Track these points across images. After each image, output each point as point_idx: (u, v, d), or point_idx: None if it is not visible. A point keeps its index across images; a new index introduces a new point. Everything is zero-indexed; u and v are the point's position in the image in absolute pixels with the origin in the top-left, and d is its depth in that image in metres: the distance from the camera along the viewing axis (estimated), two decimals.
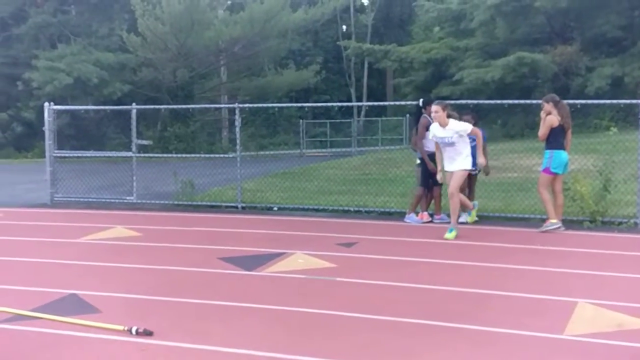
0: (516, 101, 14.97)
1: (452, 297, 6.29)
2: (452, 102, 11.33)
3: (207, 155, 18.54)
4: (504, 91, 27.70)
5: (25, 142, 35.31)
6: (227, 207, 12.41)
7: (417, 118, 10.44)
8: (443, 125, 9.02)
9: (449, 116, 9.10)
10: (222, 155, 17.20)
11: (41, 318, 5.69)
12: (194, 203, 12.64)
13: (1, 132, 39.50)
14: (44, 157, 13.71)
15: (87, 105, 27.94)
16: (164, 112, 29.22)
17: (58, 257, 8.20)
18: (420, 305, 5.98)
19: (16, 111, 38.35)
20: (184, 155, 18.76)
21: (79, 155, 15.26)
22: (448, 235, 8.95)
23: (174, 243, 9.03)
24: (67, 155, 14.28)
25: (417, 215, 10.49)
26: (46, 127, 13.16)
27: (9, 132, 39.82)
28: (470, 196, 10.52)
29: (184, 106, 25.29)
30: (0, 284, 6.84)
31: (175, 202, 12.62)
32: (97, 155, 16.44)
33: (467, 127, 9.07)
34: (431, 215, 10.57)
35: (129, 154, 13.21)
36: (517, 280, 6.85)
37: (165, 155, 18.36)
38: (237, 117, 12.53)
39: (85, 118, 30.92)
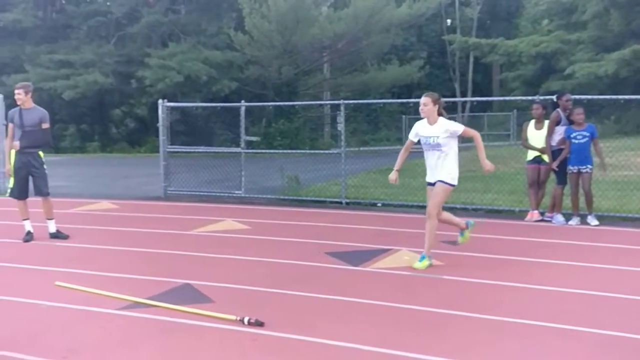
0: (632, 96, 14.34)
1: (562, 298, 6.14)
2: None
3: (311, 151, 18.78)
4: (618, 86, 26.59)
5: (138, 137, 36.80)
6: (331, 202, 12.54)
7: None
8: (431, 122, 7.37)
9: (440, 114, 7.43)
10: (326, 152, 17.36)
11: (157, 306, 5.95)
12: (299, 198, 12.84)
13: (115, 127, 41.36)
14: (156, 151, 14.26)
15: (195, 102, 28.81)
16: (269, 108, 29.74)
17: (172, 248, 8.54)
18: (528, 306, 5.87)
19: (129, 108, 40.04)
20: (288, 151, 19.06)
21: (190, 150, 15.76)
22: (418, 264, 7.32)
23: (282, 237, 9.22)
24: (178, 150, 14.79)
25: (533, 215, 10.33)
26: (160, 123, 13.68)
27: (122, 128, 41.66)
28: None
29: (291, 103, 25.64)
30: (118, 273, 7.21)
31: (281, 197, 12.85)
32: (207, 150, 16.93)
33: (458, 127, 7.42)
34: (542, 214, 10.35)
35: (238, 149, 13.55)
36: (633, 283, 6.61)
37: (271, 151, 18.72)
38: (341, 113, 12.63)
39: (194, 114, 31.89)
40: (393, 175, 7.67)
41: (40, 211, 9.26)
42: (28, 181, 9.13)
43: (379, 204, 12.16)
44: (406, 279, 6.94)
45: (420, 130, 7.45)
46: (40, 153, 9.14)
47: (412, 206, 11.81)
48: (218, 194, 13.45)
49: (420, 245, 8.16)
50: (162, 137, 13.69)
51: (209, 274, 7.06)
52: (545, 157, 10.26)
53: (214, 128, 32.35)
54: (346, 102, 12.96)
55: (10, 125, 9.06)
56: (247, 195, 13.12)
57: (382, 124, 38.21)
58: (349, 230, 9.90)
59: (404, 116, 32.48)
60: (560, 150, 9.95)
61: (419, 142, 7.47)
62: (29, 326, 5.51)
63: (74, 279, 6.88)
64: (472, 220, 7.98)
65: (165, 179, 13.73)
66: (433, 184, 7.41)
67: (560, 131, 10.02)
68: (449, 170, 7.32)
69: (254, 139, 14.88)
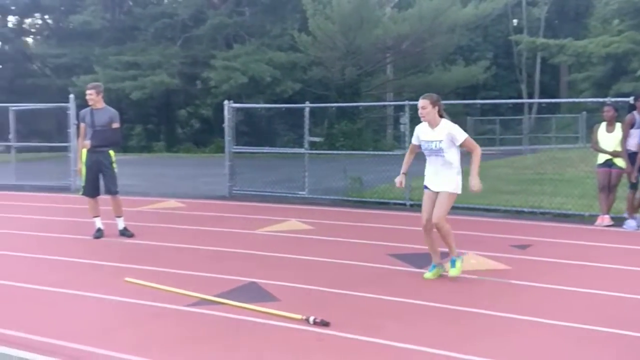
0: None
1: (636, 306, 5.94)
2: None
3: (374, 153, 18.72)
4: None
5: (203, 137, 37.35)
6: (394, 204, 12.45)
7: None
8: (432, 125, 6.82)
9: (441, 115, 6.85)
10: (389, 153, 17.28)
11: (224, 304, 6.01)
12: (363, 199, 12.81)
13: (181, 128, 42.10)
14: (221, 152, 14.43)
15: (259, 103, 29.08)
16: (331, 109, 29.79)
17: (238, 246, 8.62)
18: (599, 312, 5.71)
19: (195, 108, 40.69)
20: (352, 152, 19.04)
21: (254, 150, 15.91)
22: (454, 271, 6.90)
23: (345, 238, 9.20)
24: (243, 150, 14.93)
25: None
26: (226, 124, 13.85)
27: (188, 128, 42.37)
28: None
29: (355, 104, 25.63)
30: (186, 270, 7.32)
31: (344, 198, 12.84)
32: (271, 151, 17.05)
33: (460, 134, 6.75)
34: (612, 219, 10.07)
35: (301, 150, 13.60)
36: None
37: (334, 152, 18.74)
38: (406, 114, 12.54)
39: (258, 115, 32.19)
40: (399, 179, 7.29)
41: (110, 209, 9.47)
42: (99, 179, 9.34)
43: None
44: (472, 282, 6.83)
45: (421, 134, 6.95)
46: (111, 152, 9.34)
47: (478, 209, 11.63)
48: (282, 194, 13.52)
49: (485, 248, 8.06)
50: (228, 137, 13.84)
51: (274, 273, 7.10)
52: (617, 161, 9.97)
53: (277, 129, 32.60)
54: (411, 102, 12.81)
55: (82, 124, 9.29)
56: (310, 196, 13.15)
57: None
58: (413, 232, 9.78)
59: (468, 117, 32.10)
60: (636, 154, 9.65)
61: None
62: (100, 321, 5.65)
63: (143, 276, 7.01)
64: (462, 256, 7.15)
65: (230, 179, 13.88)
66: (434, 191, 6.91)
67: (635, 134, 9.73)
68: (452, 175, 6.83)
69: (317, 139, 14.91)
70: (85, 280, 6.94)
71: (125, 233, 9.39)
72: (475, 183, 6.76)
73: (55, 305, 6.10)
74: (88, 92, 9.26)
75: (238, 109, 14.86)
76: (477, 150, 6.83)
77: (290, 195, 13.40)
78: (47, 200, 13.54)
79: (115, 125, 9.29)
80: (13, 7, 40.73)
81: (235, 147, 14.11)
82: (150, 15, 36.09)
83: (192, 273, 7.22)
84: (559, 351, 4.84)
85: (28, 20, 43.22)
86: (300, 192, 13.28)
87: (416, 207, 12.06)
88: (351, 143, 27.59)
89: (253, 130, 30.01)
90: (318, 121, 30.97)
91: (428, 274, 7.00)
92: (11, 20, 41.93)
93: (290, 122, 27.84)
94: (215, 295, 6.22)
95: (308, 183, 13.25)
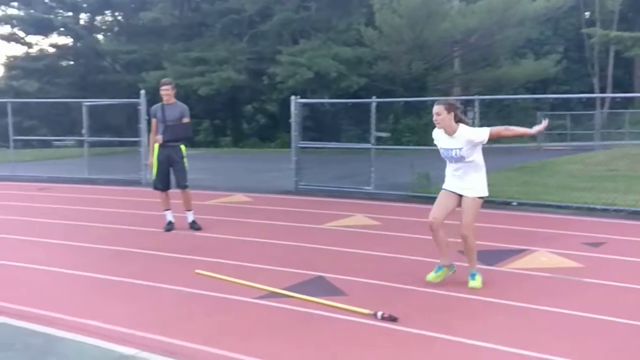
0: None
1: None
2: None
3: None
4: None
5: (269, 132, 37.67)
6: None
7: None
8: (450, 132, 6.32)
9: (459, 120, 6.36)
10: None
11: (292, 297, 6.06)
12: (430, 195, 12.63)
13: (247, 123, 42.54)
14: (286, 147, 14.50)
15: (324, 98, 29.13)
16: (397, 104, 29.59)
17: (305, 241, 8.67)
18: None
19: (260, 104, 41.06)
20: (419, 147, 18.80)
21: (320, 146, 15.94)
22: (473, 283, 6.44)
23: (412, 233, 9.14)
24: (308, 145, 14.97)
25: None
26: (292, 119, 13.91)
27: (254, 124, 42.78)
28: None
29: (424, 98, 25.34)
30: (254, 263, 7.40)
31: (411, 194, 12.73)
32: (337, 146, 17.07)
33: (483, 134, 6.28)
34: None
35: (368, 145, 13.54)
36: None
37: (401, 147, 18.62)
38: (476, 109, 12.35)
39: (323, 111, 32.24)
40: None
41: (180, 202, 9.64)
42: (170, 174, 9.51)
43: (514, 203, 11.79)
44: (544, 280, 6.69)
45: (438, 140, 6.50)
46: (182, 147, 9.50)
47: (549, 206, 11.38)
48: (347, 189, 13.51)
49: (557, 246, 7.90)
50: (295, 132, 13.91)
51: (341, 268, 7.12)
52: None
53: (341, 124, 32.58)
54: (481, 97, 12.64)
55: (153, 120, 9.47)
56: (376, 191, 13.09)
57: (515, 120, 37.04)
58: (482, 229, 9.60)
59: (538, 112, 31.35)
60: None
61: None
62: (172, 311, 5.76)
63: (212, 268, 7.13)
64: (454, 267, 6.69)
65: (296, 174, 13.95)
66: (457, 194, 6.47)
67: None
68: (478, 181, 6.39)
69: (384, 135, 14.85)
70: (158, 272, 7.10)
71: (193, 226, 9.55)
72: (534, 128, 6.41)
73: (130, 296, 6.26)
74: (164, 87, 9.41)
75: (304, 105, 14.88)
76: (505, 128, 6.54)
77: (355, 190, 13.37)
78: (119, 193, 13.89)
79: (186, 120, 9.45)
80: (85, 5, 41.91)
81: (301, 142, 14.15)
82: (217, 11, 36.54)
83: (260, 266, 7.30)
84: (634, 351, 4.70)
85: (99, 18, 44.37)
86: (366, 188, 13.24)
87: (485, 203, 11.85)
88: (417, 138, 27.34)
89: (318, 126, 30.05)
90: (382, 116, 30.80)
91: (432, 275, 6.55)
92: (83, 17, 43.14)
93: (355, 117, 27.76)
94: (283, 288, 6.28)
95: (374, 178, 13.19)
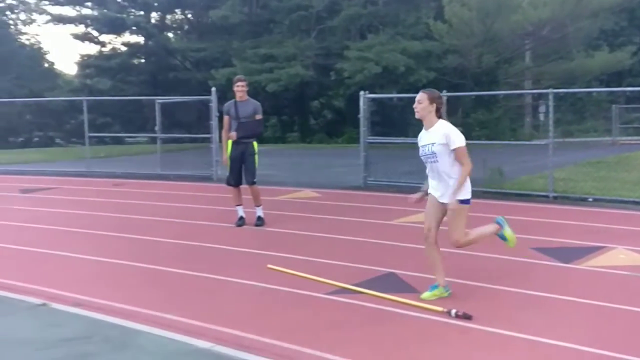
0: None
1: None
2: None
3: (515, 142, 18.14)
4: None
5: (336, 128, 37.69)
6: (537, 196, 12.00)
7: None
8: (427, 126, 5.89)
9: (440, 117, 5.89)
10: (531, 143, 16.70)
11: (364, 293, 6.04)
12: (503, 191, 12.42)
13: (314, 118, 42.69)
14: (353, 142, 14.43)
15: (392, 93, 28.91)
16: (465, 98, 29.15)
17: (375, 237, 8.63)
18: None
19: (327, 99, 41.10)
20: (491, 142, 18.50)
21: (389, 141, 15.80)
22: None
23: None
24: (376, 141, 14.84)
25: None
26: (361, 115, 13.86)
27: (321, 119, 42.89)
28: None
29: (494, 92, 24.95)
30: (324, 259, 7.40)
31: (483, 189, 12.49)
32: (407, 141, 16.87)
33: (458, 140, 5.77)
34: None
35: None
36: None
37: (474, 142, 18.23)
38: (550, 102, 12.03)
39: (390, 105, 32.04)
40: (414, 196, 6.35)
41: (251, 198, 9.72)
42: (242, 170, 9.60)
43: (590, 199, 11.44)
44: (623, 279, 6.48)
45: (420, 139, 6.04)
46: (254, 143, 9.56)
47: (627, 202, 11.01)
48: (417, 185, 13.28)
49: (635, 243, 7.64)
50: (363, 128, 13.85)
51: (412, 264, 7.05)
52: None
53: (409, 119, 32.26)
54: (555, 90, 12.27)
55: (226, 117, 9.57)
56: None
57: (589, 113, 36.06)
58: (557, 225, 9.43)
59: (613, 105, 30.38)
60: None
61: None
62: (245, 306, 5.82)
63: (284, 263, 7.17)
64: (448, 288, 6.00)
65: (365, 169, 13.89)
66: (440, 201, 5.95)
67: None
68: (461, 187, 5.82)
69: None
70: (230, 267, 7.18)
71: (257, 222, 9.61)
72: (452, 201, 5.76)
73: (204, 290, 6.35)
74: (239, 83, 9.49)
75: (373, 100, 14.77)
76: (467, 167, 5.80)
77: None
78: (191, 189, 14.12)
79: (258, 116, 9.52)
80: (156, 4, 42.80)
81: (370, 137, 14.07)
82: (285, 8, 36.74)
83: (330, 262, 7.29)
84: None
85: (169, 16, 45.25)
86: None
87: (560, 199, 11.63)
88: (487, 132, 26.89)
89: (385, 121, 29.88)
90: (451, 110, 30.36)
91: (427, 294, 5.92)
92: (154, 16, 44.05)
93: None
94: (354, 285, 6.27)
95: None
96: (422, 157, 6.01)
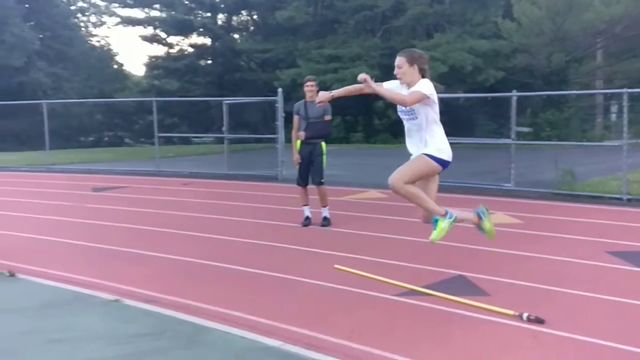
0: None
1: None
2: None
3: (587, 144, 17.65)
4: None
5: (401, 128, 37.23)
6: (610, 198, 11.65)
7: None
8: (409, 86, 5.53)
9: (424, 75, 5.55)
10: (599, 144, 16.24)
11: (433, 295, 5.96)
12: (574, 193, 12.10)
13: (378, 119, 42.50)
14: None
15: (458, 92, 28.55)
16: (534, 98, 28.57)
17: (443, 238, 8.45)
18: None
19: None
20: (562, 142, 18.03)
21: (456, 141, 15.50)
22: (435, 234, 5.76)
23: (558, 233, 8.77)
24: None
25: None
26: None
27: (385, 119, 42.67)
28: None
29: (566, 92, 24.35)
30: (392, 260, 7.35)
31: (555, 191, 12.20)
32: (476, 142, 16.67)
33: (420, 86, 5.38)
34: None
35: (508, 140, 13.09)
36: None
37: (543, 142, 17.94)
38: (624, 102, 11.66)
39: (456, 105, 31.65)
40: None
41: (317, 198, 9.72)
42: (309, 170, 9.62)
43: None
44: None
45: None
46: (323, 144, 9.56)
47: None
48: (485, 186, 13.15)
49: None
50: None
51: (482, 267, 6.94)
52: None
53: (476, 119, 31.88)
54: (630, 90, 11.87)
55: (296, 117, 9.60)
56: (516, 189, 12.64)
57: None
58: (633, 229, 9.14)
59: None
60: None
61: None
62: (314, 305, 5.82)
63: (350, 263, 7.15)
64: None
65: None
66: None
67: None
68: (435, 142, 5.57)
69: (525, 129, 14.33)
70: (297, 266, 7.19)
71: (323, 222, 9.61)
72: (328, 92, 5.79)
73: (272, 288, 6.38)
74: (309, 83, 9.51)
75: (439, 99, 14.52)
76: (403, 98, 5.35)
77: (494, 187, 12.97)
78: (257, 189, 14.23)
79: (327, 117, 9.51)
80: (222, 5, 43.41)
81: None
82: (350, 8, 36.73)
83: (397, 263, 7.24)
84: None
85: (235, 18, 45.82)
86: (506, 185, 12.81)
87: (635, 202, 11.27)
88: (557, 133, 26.29)
89: (451, 120, 29.56)
90: (520, 110, 29.79)
91: (434, 233, 5.74)
92: (220, 18, 44.68)
93: (491, 112, 27.08)
94: (423, 286, 6.19)
95: (514, 175, 12.74)
96: (399, 114, 5.72)
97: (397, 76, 5.55)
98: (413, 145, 5.67)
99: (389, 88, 5.59)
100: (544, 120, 28.25)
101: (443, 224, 5.71)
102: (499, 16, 31.56)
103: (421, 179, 5.66)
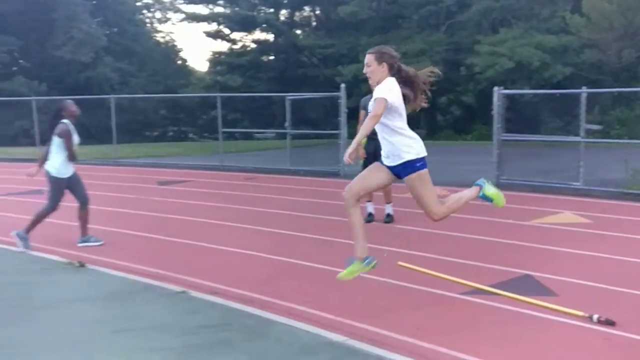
0: None
1: None
2: None
3: None
4: None
5: (464, 124, 37.05)
6: None
7: None
8: (374, 85, 5.25)
9: (399, 71, 5.31)
10: None
11: (499, 294, 5.87)
12: None
13: (441, 115, 42.13)
14: (483, 139, 14.01)
15: (523, 88, 28.00)
16: (604, 95, 27.77)
17: (509, 237, 8.37)
18: None
19: (456, 95, 40.43)
20: (632, 141, 17.39)
21: (524, 138, 15.22)
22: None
23: (628, 233, 8.52)
24: (511, 138, 14.33)
25: None
26: (495, 111, 13.46)
27: (448, 116, 42.28)
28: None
29: (635, 89, 23.49)
30: (458, 258, 7.26)
31: (625, 191, 11.82)
32: (544, 139, 16.29)
33: (381, 91, 5.11)
34: None
35: (577, 138, 12.74)
36: None
37: (613, 140, 17.42)
38: None
39: (522, 102, 31.05)
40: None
41: (382, 194, 9.65)
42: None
43: None
44: None
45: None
46: None
47: None
48: (553, 185, 12.83)
49: None
50: (497, 125, 13.43)
51: (550, 267, 6.79)
52: None
53: (542, 116, 31.23)
54: None
55: (362, 112, 9.52)
56: (585, 187, 12.29)
57: None
58: None
59: None
60: None
61: None
62: (378, 301, 5.81)
63: (414, 260, 7.10)
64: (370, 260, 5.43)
65: (498, 168, 13.46)
66: (390, 167, 5.35)
67: None
68: (404, 143, 5.26)
69: (595, 127, 13.93)
70: None
71: (387, 219, 9.55)
72: (348, 152, 5.07)
73: (336, 283, 6.33)
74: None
75: (507, 96, 14.22)
76: (374, 118, 5.03)
77: (562, 186, 12.63)
78: (319, 184, 14.27)
79: None
80: (285, 1, 43.67)
81: (504, 134, 13.61)
82: (414, 3, 36.48)
83: (463, 261, 7.14)
84: None
85: (298, 13, 46.00)
86: (574, 183, 12.47)
87: None
88: (627, 131, 25.49)
89: (517, 117, 29.02)
90: (588, 107, 28.98)
91: (342, 273, 5.44)
92: (283, 13, 44.95)
93: (558, 109, 26.45)
94: (489, 286, 6.10)
95: (583, 173, 12.39)
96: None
97: (367, 74, 5.31)
98: (389, 152, 5.36)
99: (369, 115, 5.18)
100: (614, 117, 27.46)
101: (491, 190, 5.69)
102: (567, 11, 30.82)
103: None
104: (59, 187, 8.17)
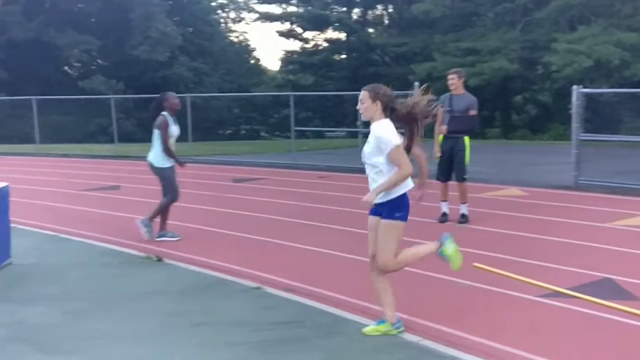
0: None
1: None
2: None
3: None
4: None
5: (540, 124, 36.23)
6: None
7: None
8: (370, 121, 5.08)
9: (392, 110, 4.99)
10: None
11: (579, 298, 5.75)
12: None
13: (516, 114, 41.32)
14: (560, 139, 13.67)
15: (602, 87, 27.18)
16: None
17: (588, 239, 8.15)
18: None
19: (532, 94, 39.58)
20: None
21: (605, 139, 14.79)
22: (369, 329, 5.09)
23: None
24: (591, 138, 13.92)
25: None
26: (573, 110, 13.12)
27: (524, 115, 41.42)
28: None
29: None
30: (534, 260, 7.12)
31: None
32: (622, 139, 15.82)
33: (389, 141, 4.89)
34: None
35: None
36: None
37: None
38: None
39: (600, 101, 30.18)
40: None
41: (457, 194, 9.55)
42: (451, 165, 9.41)
43: None
44: None
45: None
46: (466, 139, 9.33)
47: None
48: (632, 186, 12.42)
49: None
50: (576, 124, 13.09)
51: (631, 270, 6.60)
52: None
53: (621, 115, 30.27)
54: None
55: (440, 110, 9.41)
56: None
57: None
58: None
59: None
60: None
61: None
62: (452, 302, 5.78)
63: (489, 262, 7.01)
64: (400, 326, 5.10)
65: (576, 168, 13.12)
66: (375, 212, 5.28)
67: None
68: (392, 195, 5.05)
69: None
70: (434, 263, 7.05)
71: (461, 219, 9.43)
72: (368, 195, 5.09)
73: (407, 283, 6.33)
74: (450, 76, 9.39)
75: (586, 95, 13.81)
76: (403, 170, 4.92)
77: None
78: None
79: (473, 112, 9.30)
80: (358, 0, 43.61)
81: (583, 134, 13.23)
82: (490, 0, 35.88)
83: (539, 263, 7.01)
84: None
85: (371, 12, 45.88)
86: None
87: None
88: None
89: (595, 117, 28.23)
90: None
91: (369, 328, 5.12)
92: (356, 12, 44.91)
93: (636, 109, 25.60)
94: (567, 289, 5.98)
95: None
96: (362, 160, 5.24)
97: (360, 111, 5.13)
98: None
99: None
100: None
101: (449, 249, 5.38)
102: None
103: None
104: (167, 175, 8.47)
